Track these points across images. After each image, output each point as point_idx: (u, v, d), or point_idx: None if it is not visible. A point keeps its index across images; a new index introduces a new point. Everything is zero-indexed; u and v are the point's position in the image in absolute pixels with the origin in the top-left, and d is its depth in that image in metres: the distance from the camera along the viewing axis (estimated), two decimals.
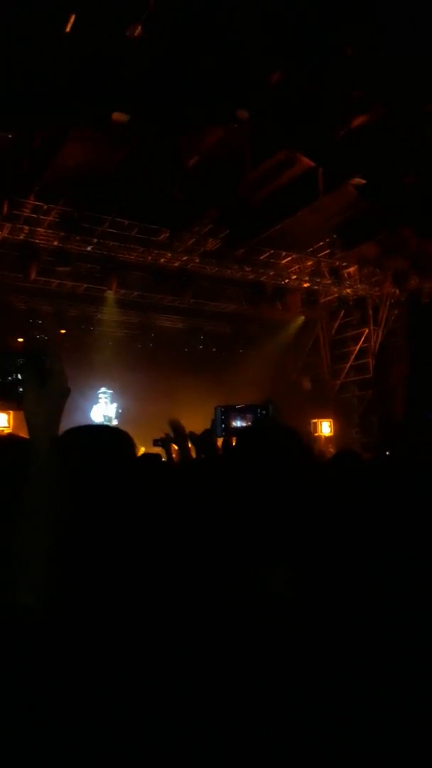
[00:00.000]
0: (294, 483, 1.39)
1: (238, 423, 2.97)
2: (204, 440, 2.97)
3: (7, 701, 1.05)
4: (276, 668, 1.16)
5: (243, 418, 2.96)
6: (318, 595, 1.26)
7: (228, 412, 3.08)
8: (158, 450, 5.85)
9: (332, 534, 1.40)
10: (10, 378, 1.19)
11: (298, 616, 1.22)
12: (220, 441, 2.97)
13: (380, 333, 14.54)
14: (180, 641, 1.24)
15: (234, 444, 1.58)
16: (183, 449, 4.30)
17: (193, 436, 5.82)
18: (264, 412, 2.93)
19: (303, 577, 1.28)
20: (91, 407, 14.79)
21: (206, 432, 3.02)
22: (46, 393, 1.17)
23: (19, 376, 1.18)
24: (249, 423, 2.93)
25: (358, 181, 9.96)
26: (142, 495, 1.73)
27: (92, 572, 1.33)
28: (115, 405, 15.27)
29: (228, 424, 2.97)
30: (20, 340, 12.70)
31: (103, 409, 15.05)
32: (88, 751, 1.09)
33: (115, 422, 14.41)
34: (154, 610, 1.30)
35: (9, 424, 11.67)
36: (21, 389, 1.17)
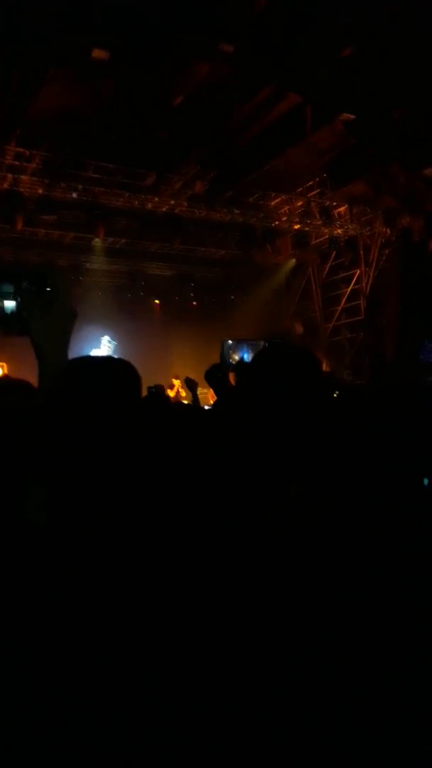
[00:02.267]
0: (312, 401, 1.36)
1: (246, 357, 2.90)
2: (215, 375, 2.84)
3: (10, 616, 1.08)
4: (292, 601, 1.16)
5: (254, 351, 2.87)
6: (330, 510, 1.26)
7: (237, 345, 3.02)
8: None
9: (343, 450, 1.41)
10: (10, 302, 1.11)
11: (304, 542, 1.22)
12: (231, 376, 2.85)
13: (371, 274, 14.43)
14: (192, 563, 1.25)
15: (252, 361, 1.55)
16: (195, 399, 4.31)
17: (189, 381, 5.85)
18: (278, 340, 2.89)
19: (315, 491, 1.27)
20: (88, 353, 14.76)
21: (215, 367, 2.90)
22: (52, 317, 1.11)
23: (22, 300, 1.10)
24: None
25: (347, 116, 9.72)
26: (153, 423, 1.73)
27: (105, 494, 1.34)
28: (109, 353, 15.24)
29: (239, 358, 2.91)
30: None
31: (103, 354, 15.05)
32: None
33: None
34: (164, 533, 1.31)
35: (3, 374, 11.66)
36: (25, 315, 1.10)
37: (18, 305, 1.10)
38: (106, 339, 15.07)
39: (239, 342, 3.11)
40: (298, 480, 1.29)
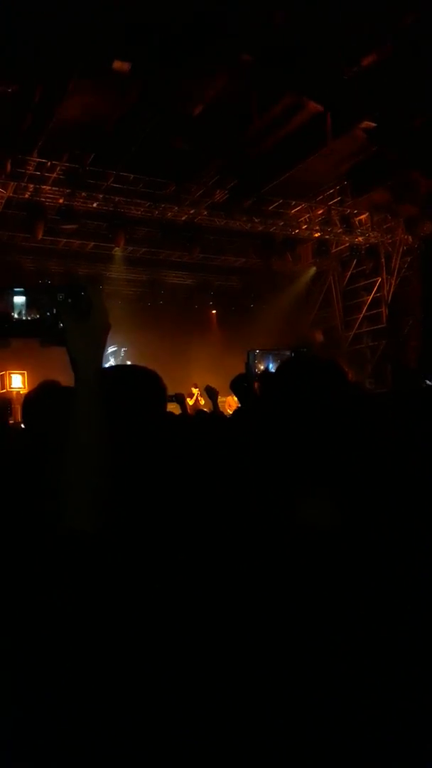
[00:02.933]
0: (338, 412, 1.35)
1: (271, 366, 2.92)
2: (240, 385, 2.89)
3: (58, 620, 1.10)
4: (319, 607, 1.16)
5: (279, 360, 2.89)
6: (360, 526, 1.25)
7: (263, 355, 3.04)
8: (172, 405, 5.88)
9: (373, 464, 1.39)
10: (49, 314, 1.16)
11: (339, 547, 1.21)
12: (257, 386, 2.89)
13: (393, 281, 14.33)
14: (222, 566, 1.26)
15: (275, 372, 1.55)
16: (215, 407, 4.34)
17: (209, 389, 5.83)
18: (304, 349, 2.90)
19: (344, 508, 1.26)
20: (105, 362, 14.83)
21: (241, 376, 2.97)
22: (87, 328, 1.16)
23: (60, 312, 1.16)
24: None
25: (368, 124, 9.67)
26: (183, 431, 1.76)
27: (140, 499, 1.38)
28: (128, 362, 15.30)
29: (264, 368, 2.92)
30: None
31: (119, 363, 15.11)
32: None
33: None
34: (196, 538, 1.33)
35: (24, 385, 11.77)
36: (61, 325, 1.15)
37: (55, 316, 1.16)
38: (111, 348, 15.16)
39: (265, 352, 3.10)
40: (322, 488, 1.28)
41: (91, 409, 1.13)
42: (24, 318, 1.17)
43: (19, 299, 1.17)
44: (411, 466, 1.50)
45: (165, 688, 1.14)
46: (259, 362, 3.05)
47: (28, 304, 1.17)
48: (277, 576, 1.19)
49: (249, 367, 3.06)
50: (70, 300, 1.16)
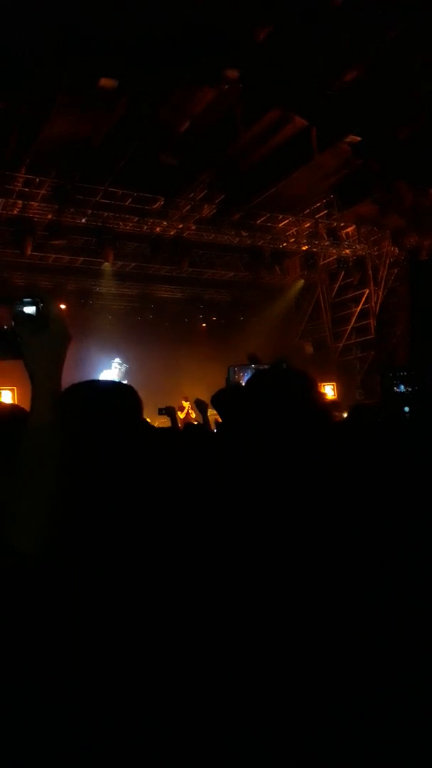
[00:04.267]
0: (307, 421, 1.37)
1: None
2: (221, 400, 2.91)
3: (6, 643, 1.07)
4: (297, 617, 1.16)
5: None
6: (334, 543, 1.26)
7: (242, 370, 3.06)
8: (163, 419, 5.87)
9: (348, 473, 1.40)
10: (5, 327, 1.11)
11: (314, 567, 1.21)
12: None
13: (381, 293, 14.44)
14: (184, 593, 1.25)
15: (247, 383, 1.57)
16: (205, 421, 4.35)
17: (199, 402, 5.85)
18: (282, 363, 2.92)
19: (315, 518, 1.27)
20: (98, 376, 14.84)
21: (221, 391, 2.98)
22: (45, 340, 1.10)
23: (15, 325, 1.10)
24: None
25: (353, 138, 9.80)
26: (145, 449, 1.74)
27: (93, 522, 1.33)
28: (119, 375, 15.31)
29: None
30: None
31: (109, 378, 15.10)
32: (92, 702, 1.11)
33: None
34: (159, 557, 1.31)
35: (14, 400, 11.71)
36: (19, 338, 1.09)
37: (12, 329, 1.10)
38: (116, 361, 15.15)
39: (244, 366, 3.13)
40: (295, 499, 1.29)
41: (47, 424, 1.07)
42: None
43: None
44: (396, 480, 1.52)
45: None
46: (239, 377, 3.08)
47: None
48: (250, 585, 1.19)
49: (229, 381, 3.08)
50: (26, 312, 1.11)
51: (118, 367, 15.18)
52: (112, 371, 15.12)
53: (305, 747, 1.08)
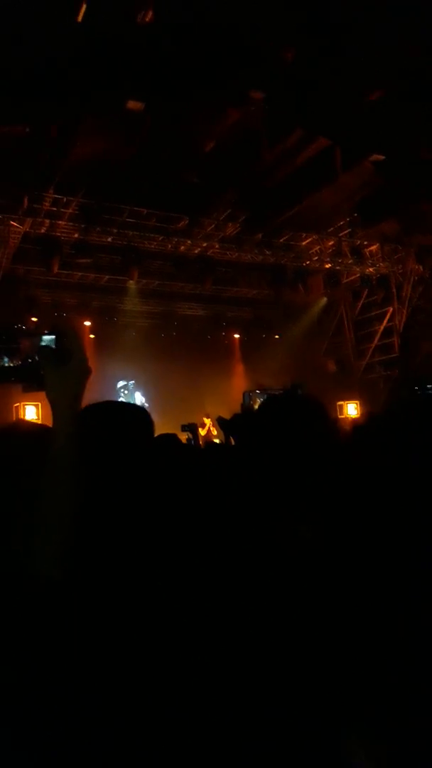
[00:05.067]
0: (318, 445, 1.40)
1: None
2: (235, 424, 2.99)
3: (24, 662, 1.09)
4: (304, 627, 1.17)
5: None
6: (344, 551, 1.27)
7: (258, 395, 3.10)
8: (186, 435, 5.90)
9: (357, 491, 1.41)
10: (30, 360, 1.19)
11: (321, 573, 1.23)
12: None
13: (405, 311, 14.37)
14: (203, 607, 1.27)
15: (258, 408, 1.59)
16: (226, 438, 4.41)
17: (221, 420, 5.87)
18: (298, 389, 2.95)
19: (328, 532, 1.29)
20: (118, 393, 14.97)
21: (236, 416, 3.07)
22: (66, 373, 1.17)
23: (39, 358, 1.18)
24: None
25: (376, 157, 9.84)
26: (159, 470, 1.77)
27: (113, 544, 1.36)
28: (138, 393, 15.40)
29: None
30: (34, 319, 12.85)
31: (132, 395, 15.23)
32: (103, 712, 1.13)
33: None
34: (173, 579, 1.33)
35: (38, 416, 11.83)
36: (42, 371, 1.17)
37: (36, 362, 1.18)
38: (121, 384, 15.25)
39: (260, 391, 3.17)
40: (304, 522, 1.31)
41: (67, 454, 1.13)
42: (6, 365, 1.19)
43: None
44: (385, 492, 1.52)
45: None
46: (254, 402, 3.12)
47: (10, 351, 1.19)
48: (268, 596, 1.21)
49: (245, 407, 3.13)
50: (50, 346, 1.18)
51: (124, 387, 15.27)
52: (129, 389, 15.25)
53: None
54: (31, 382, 1.19)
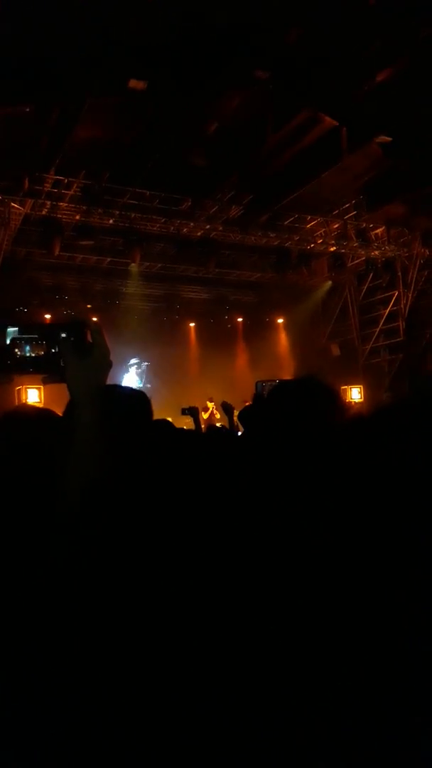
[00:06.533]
0: (327, 434, 1.37)
1: None
2: (247, 416, 2.96)
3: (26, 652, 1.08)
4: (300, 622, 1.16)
5: None
6: (349, 547, 1.24)
7: (271, 386, 3.05)
8: (187, 419, 5.86)
9: (366, 483, 1.38)
10: (53, 351, 1.19)
11: (328, 565, 1.21)
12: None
13: (410, 295, 14.26)
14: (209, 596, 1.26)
15: (269, 393, 1.56)
16: (231, 424, 4.37)
17: (225, 405, 5.85)
18: (311, 377, 2.90)
19: (332, 526, 1.27)
20: (121, 378, 14.95)
21: (248, 407, 3.02)
22: (88, 366, 1.18)
23: (60, 350, 1.19)
24: None
25: (383, 138, 9.68)
26: (156, 454, 1.77)
27: (133, 531, 1.36)
28: (145, 376, 15.40)
29: None
30: (63, 313, 12.83)
31: (134, 378, 15.21)
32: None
33: None
34: (171, 570, 1.32)
35: (40, 399, 11.82)
36: (63, 362, 1.18)
37: (57, 354, 1.19)
38: (134, 362, 15.27)
39: (272, 382, 3.11)
40: (309, 513, 1.28)
41: (90, 446, 1.15)
42: (27, 355, 1.20)
43: (12, 333, 1.19)
44: (399, 482, 1.50)
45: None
46: (266, 392, 3.05)
47: (32, 342, 1.19)
48: (271, 590, 1.20)
49: (257, 396, 3.08)
50: (72, 338, 1.19)
51: (137, 367, 15.30)
52: (131, 374, 15.23)
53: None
54: (52, 374, 1.20)
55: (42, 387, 12.12)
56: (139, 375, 15.19)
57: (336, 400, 1.51)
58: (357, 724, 1.07)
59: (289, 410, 1.43)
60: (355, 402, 14.61)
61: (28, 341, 1.20)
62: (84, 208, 11.11)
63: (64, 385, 1.19)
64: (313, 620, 1.15)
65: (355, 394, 14.68)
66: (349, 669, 1.10)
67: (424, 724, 1.06)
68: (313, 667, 1.12)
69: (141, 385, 15.25)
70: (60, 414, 1.75)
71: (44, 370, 1.20)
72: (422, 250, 13.80)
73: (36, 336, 1.20)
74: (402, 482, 1.45)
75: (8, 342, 1.19)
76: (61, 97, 8.16)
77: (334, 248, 13.86)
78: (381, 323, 15.03)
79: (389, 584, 1.18)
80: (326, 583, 1.17)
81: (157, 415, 2.16)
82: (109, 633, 1.19)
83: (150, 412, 1.80)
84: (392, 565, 1.22)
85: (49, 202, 10.96)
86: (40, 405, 11.29)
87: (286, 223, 12.97)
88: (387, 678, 1.10)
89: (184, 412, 5.55)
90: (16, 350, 1.19)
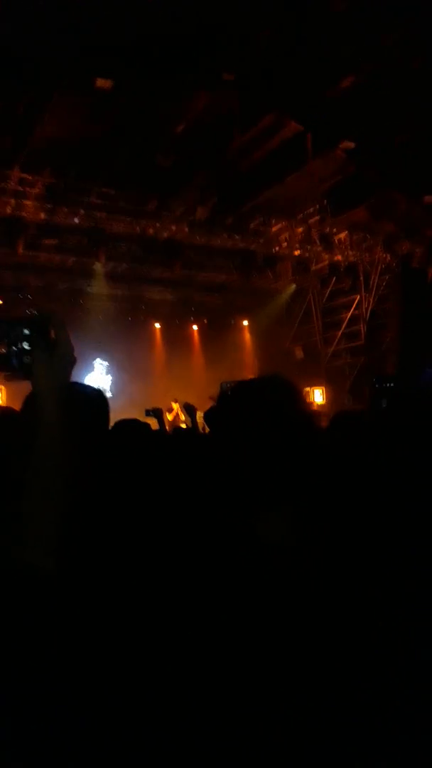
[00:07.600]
0: (291, 432, 1.38)
1: None
2: (212, 415, 2.98)
3: (15, 654, 1.07)
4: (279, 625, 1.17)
5: None
6: (319, 544, 1.26)
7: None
8: (150, 420, 5.84)
9: (332, 482, 1.40)
10: (15, 348, 1.17)
11: (298, 564, 1.22)
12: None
13: (372, 299, 14.50)
14: (184, 596, 1.26)
15: (232, 390, 1.57)
16: (194, 424, 4.38)
17: (188, 406, 5.85)
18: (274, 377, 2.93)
19: (303, 525, 1.28)
20: (84, 377, 14.83)
21: (213, 408, 3.06)
22: (53, 362, 1.16)
23: (26, 346, 1.16)
24: None
25: (347, 144, 9.84)
26: (120, 457, 1.77)
27: (101, 530, 1.36)
28: (109, 377, 15.29)
29: None
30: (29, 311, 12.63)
31: (98, 379, 15.09)
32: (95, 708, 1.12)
33: (108, 394, 14.46)
34: (157, 565, 1.33)
35: (2, 401, 11.65)
36: (27, 359, 1.16)
37: (21, 351, 1.17)
38: (98, 361, 15.17)
39: (236, 382, 3.13)
40: (287, 513, 1.30)
41: (53, 442, 1.13)
42: None
43: None
44: (366, 482, 1.53)
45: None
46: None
47: None
48: (235, 590, 1.20)
49: (221, 395, 3.09)
50: (35, 334, 1.17)
51: (101, 365, 15.23)
52: (95, 371, 15.14)
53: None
54: (16, 371, 1.17)
55: (3, 387, 11.95)
56: (103, 374, 15.10)
57: (298, 394, 1.53)
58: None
59: (254, 404, 1.45)
60: (317, 404, 14.80)
61: None
62: (49, 206, 10.99)
63: (27, 383, 1.19)
64: (300, 623, 1.15)
65: (317, 396, 14.86)
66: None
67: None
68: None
69: (109, 383, 15.17)
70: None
71: (8, 368, 1.18)
72: (384, 255, 14.06)
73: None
74: (367, 480, 1.49)
75: None
76: (26, 94, 8.08)
77: (298, 252, 14.02)
78: (343, 327, 15.25)
79: (358, 580, 1.21)
80: (295, 582, 1.19)
81: (120, 415, 2.17)
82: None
83: (107, 409, 1.79)
84: (358, 560, 1.25)
85: (13, 200, 10.81)
86: (2, 403, 11.10)
87: (251, 226, 13.06)
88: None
89: (148, 413, 5.51)
90: None
